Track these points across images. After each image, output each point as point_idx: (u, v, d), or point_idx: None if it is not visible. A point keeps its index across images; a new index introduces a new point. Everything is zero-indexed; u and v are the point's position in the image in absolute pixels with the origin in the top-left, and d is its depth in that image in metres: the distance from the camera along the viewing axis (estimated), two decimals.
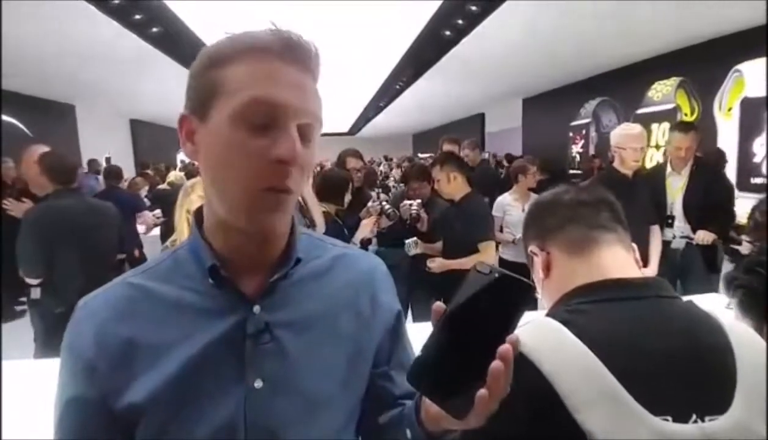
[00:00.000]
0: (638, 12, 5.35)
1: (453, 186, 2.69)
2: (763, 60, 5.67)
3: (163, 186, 6.09)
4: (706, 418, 0.57)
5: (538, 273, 0.80)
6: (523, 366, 0.60)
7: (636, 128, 2.69)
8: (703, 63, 6.63)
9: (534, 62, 8.17)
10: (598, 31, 6.28)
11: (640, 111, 7.71)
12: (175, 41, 6.30)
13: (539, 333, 0.64)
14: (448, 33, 6.54)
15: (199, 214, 0.64)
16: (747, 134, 5.94)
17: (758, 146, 5.82)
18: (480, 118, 15.04)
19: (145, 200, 5.39)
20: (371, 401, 0.67)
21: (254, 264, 0.61)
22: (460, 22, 6.10)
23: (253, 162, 0.53)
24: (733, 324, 0.65)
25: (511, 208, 3.37)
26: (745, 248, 1.91)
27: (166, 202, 4.38)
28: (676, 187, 2.96)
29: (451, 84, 10.09)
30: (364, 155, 3.47)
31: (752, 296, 0.88)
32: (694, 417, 0.57)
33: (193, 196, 1.79)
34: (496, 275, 0.44)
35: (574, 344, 0.61)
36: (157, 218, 4.66)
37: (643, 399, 0.57)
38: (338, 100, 11.83)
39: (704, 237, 2.75)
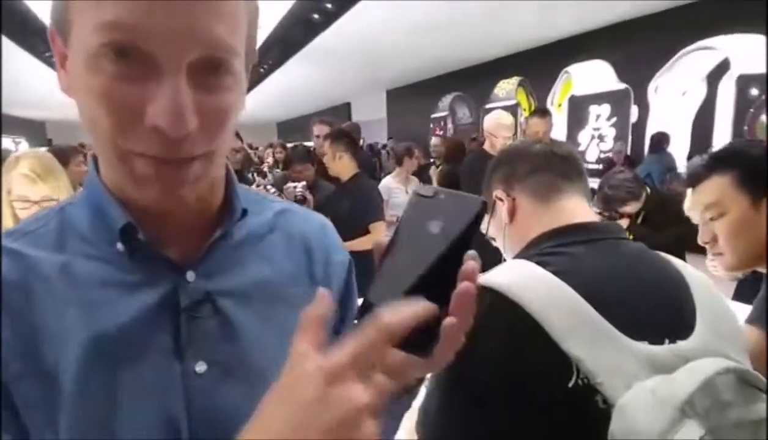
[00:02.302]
0: (486, 16, 5.93)
1: (339, 164, 2.63)
2: (586, 63, 6.77)
3: None
4: (678, 342, 0.62)
5: (501, 219, 0.81)
6: (501, 304, 0.60)
7: (509, 119, 3.00)
8: (539, 65, 7.66)
9: (396, 55, 8.52)
10: (452, 32, 6.82)
11: (488, 106, 8.57)
12: None
13: (514, 272, 0.65)
14: (316, 16, 6.43)
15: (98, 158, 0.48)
16: (573, 126, 7.08)
17: (582, 136, 6.95)
18: (347, 108, 15.19)
19: None
20: None
21: (180, 222, 0.48)
22: (329, 6, 6.04)
23: (127, 124, 0.38)
24: (681, 262, 0.73)
25: (395, 190, 3.46)
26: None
27: None
28: None
29: (317, 71, 9.97)
30: None
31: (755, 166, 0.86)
32: (667, 341, 0.62)
33: (14, 173, 1.43)
34: (442, 196, 0.40)
35: (550, 279, 0.63)
36: None
37: (621, 329, 0.60)
38: None
39: None
